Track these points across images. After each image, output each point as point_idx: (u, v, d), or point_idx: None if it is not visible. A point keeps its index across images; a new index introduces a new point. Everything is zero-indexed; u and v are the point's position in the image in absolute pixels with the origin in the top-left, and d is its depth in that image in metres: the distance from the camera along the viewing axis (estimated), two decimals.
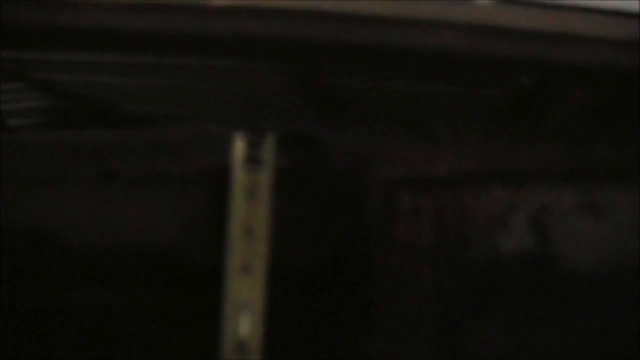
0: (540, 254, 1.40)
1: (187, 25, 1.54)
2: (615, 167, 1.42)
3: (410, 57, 1.56)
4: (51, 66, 1.84)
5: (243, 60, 1.68)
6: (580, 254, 1.40)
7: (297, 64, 1.66)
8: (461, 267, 1.40)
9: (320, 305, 1.38)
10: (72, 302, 1.52)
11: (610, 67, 1.49)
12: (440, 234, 1.41)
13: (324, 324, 1.39)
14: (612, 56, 1.46)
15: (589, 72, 1.51)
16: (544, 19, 1.40)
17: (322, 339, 1.40)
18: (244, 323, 1.24)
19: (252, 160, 1.27)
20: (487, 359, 1.37)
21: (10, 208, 1.48)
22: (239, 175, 1.27)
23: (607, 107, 1.53)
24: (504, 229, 1.41)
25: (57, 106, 2.00)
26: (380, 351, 1.39)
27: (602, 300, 1.39)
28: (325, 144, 1.42)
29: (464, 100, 1.81)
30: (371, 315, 1.40)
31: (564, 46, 1.44)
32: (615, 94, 1.54)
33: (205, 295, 1.45)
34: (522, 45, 1.46)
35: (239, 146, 1.28)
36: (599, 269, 1.40)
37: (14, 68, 1.86)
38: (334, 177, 1.42)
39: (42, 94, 1.97)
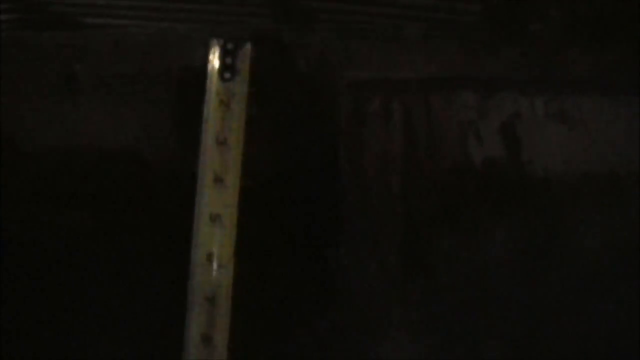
0: (510, 161, 1.38)
1: None
2: (588, 76, 1.40)
3: None
4: None
5: None
6: (551, 162, 1.38)
7: None
8: (430, 173, 1.37)
9: (287, 213, 1.35)
10: (31, 209, 1.48)
11: None
12: (409, 139, 1.38)
13: (291, 234, 1.36)
14: None
15: None
16: None
17: (290, 248, 1.38)
18: (217, 234, 1.21)
19: (227, 69, 1.23)
20: (453, 268, 1.35)
21: None
22: (213, 84, 1.24)
23: (582, 21, 1.50)
24: (474, 136, 1.38)
25: (17, 18, 1.93)
26: (343, 261, 1.37)
27: (571, 208, 1.37)
28: (292, 48, 1.38)
29: (437, 12, 1.77)
30: (335, 224, 1.37)
31: None
32: (588, 10, 1.51)
33: (169, 200, 1.42)
34: None
35: (214, 55, 1.24)
36: (568, 177, 1.38)
37: None
38: (301, 81, 1.38)
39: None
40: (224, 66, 1.23)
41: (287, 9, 1.71)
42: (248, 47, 1.24)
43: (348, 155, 1.37)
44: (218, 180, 1.20)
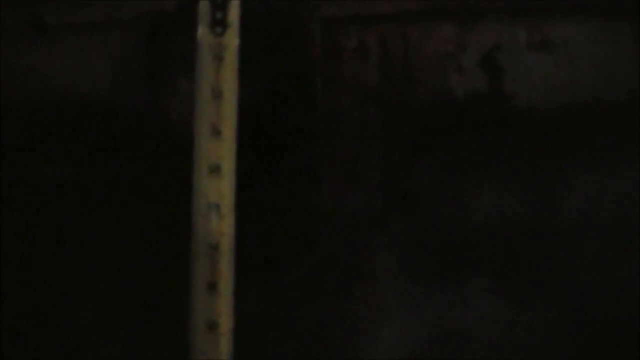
0: (492, 92, 1.35)
1: None
2: (568, 2, 1.36)
3: None
4: None
5: None
6: (533, 91, 1.35)
7: None
8: (409, 107, 1.34)
9: (266, 150, 1.34)
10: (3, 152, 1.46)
11: None
12: (387, 72, 1.35)
13: (271, 170, 1.34)
14: None
15: None
16: None
17: (271, 185, 1.36)
18: (216, 185, 1.21)
19: (218, 23, 1.22)
20: (433, 203, 1.34)
21: None
22: (205, 38, 1.22)
23: None
24: (453, 68, 1.35)
25: None
26: (325, 198, 1.35)
27: (553, 136, 1.35)
28: None
29: None
30: (315, 161, 1.35)
31: None
32: None
33: (142, 149, 1.40)
34: None
35: (204, 9, 1.23)
36: (551, 105, 1.35)
37: None
38: (276, 16, 1.35)
39: None
40: (214, 21, 1.22)
41: None
42: (237, 0, 1.23)
43: (325, 90, 1.35)
44: (215, 132, 1.20)
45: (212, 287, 1.26)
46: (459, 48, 1.37)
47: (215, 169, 1.26)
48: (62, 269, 1.44)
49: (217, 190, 1.26)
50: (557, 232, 1.37)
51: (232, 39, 1.27)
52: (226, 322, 1.26)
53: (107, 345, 1.44)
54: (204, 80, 1.27)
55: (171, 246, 1.37)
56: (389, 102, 1.36)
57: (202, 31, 1.28)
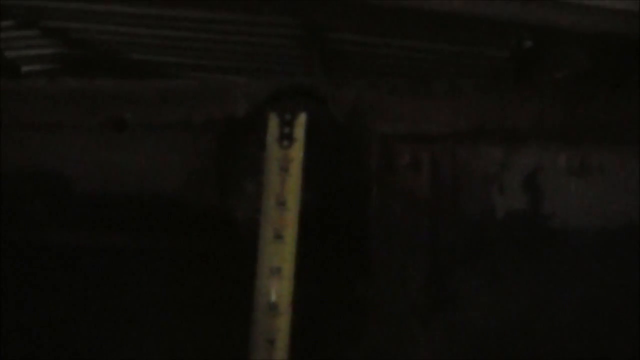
0: (532, 212, 1.46)
1: None
2: (607, 129, 1.47)
3: (414, 16, 1.61)
4: (64, 14, 1.89)
5: (249, 14, 1.73)
6: (571, 213, 1.46)
7: (301, 17, 1.71)
8: (455, 220, 1.46)
9: (325, 253, 1.45)
10: (81, 245, 1.59)
11: (609, 33, 1.54)
12: (436, 188, 1.47)
13: (327, 271, 1.46)
14: (611, 24, 1.51)
15: (589, 37, 1.57)
16: None
17: (325, 284, 1.48)
18: (277, 286, 1.34)
19: (285, 137, 1.36)
20: (474, 309, 1.44)
21: (23, 153, 1.54)
22: (273, 151, 1.36)
23: (604, 70, 1.58)
24: (497, 186, 1.47)
25: (68, 53, 2.05)
26: (375, 296, 1.46)
27: (591, 259, 1.45)
28: (328, 99, 1.47)
29: (465, 59, 1.86)
30: (367, 262, 1.47)
31: (565, 11, 1.50)
32: (612, 59, 1.59)
33: (209, 239, 1.53)
34: (524, 9, 1.51)
35: (273, 124, 1.37)
36: (588, 228, 1.46)
37: (28, 16, 1.91)
38: (336, 131, 1.47)
39: (54, 41, 2.02)
40: (282, 135, 1.36)
41: (322, 59, 1.80)
42: (304, 117, 1.36)
43: (380, 202, 1.47)
44: (278, 236, 1.33)
45: None
46: (502, 167, 1.49)
47: (276, 271, 1.38)
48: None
49: (277, 290, 1.38)
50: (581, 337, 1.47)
51: (298, 153, 1.40)
52: None
53: None
54: (270, 189, 1.40)
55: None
56: (437, 214, 1.48)
57: (270, 144, 1.41)
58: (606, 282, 1.44)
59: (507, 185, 1.46)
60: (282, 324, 1.35)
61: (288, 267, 1.35)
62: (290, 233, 1.35)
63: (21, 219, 1.58)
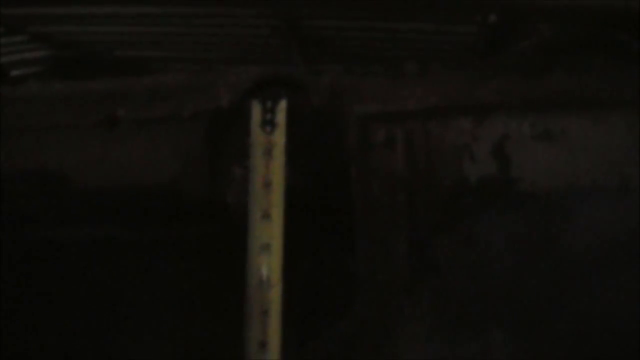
0: (502, 177, 1.57)
1: None
2: (567, 96, 1.58)
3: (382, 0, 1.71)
4: (49, 19, 1.98)
5: (229, 8, 1.83)
6: (538, 176, 1.56)
7: (277, 7, 1.80)
8: (431, 191, 1.57)
9: (311, 229, 1.56)
10: (80, 238, 1.69)
11: (570, 5, 1.64)
12: (411, 162, 1.57)
13: (313, 247, 1.57)
14: None
15: (551, 10, 1.67)
16: None
17: (313, 260, 1.58)
18: (266, 261, 1.45)
19: (268, 123, 1.46)
20: (454, 273, 1.55)
21: (23, 153, 1.64)
22: (257, 136, 1.46)
23: (566, 40, 1.69)
24: (468, 156, 1.57)
25: (55, 55, 2.13)
26: (360, 268, 1.57)
27: (560, 217, 1.56)
28: (307, 85, 1.57)
29: (434, 36, 1.95)
30: (351, 237, 1.57)
31: None
32: (574, 29, 1.69)
33: (202, 225, 1.63)
34: None
35: (256, 111, 1.47)
36: (555, 189, 1.57)
37: (15, 23, 1.99)
38: (315, 115, 1.58)
39: (41, 45, 2.11)
40: (264, 121, 1.46)
41: (299, 46, 1.90)
42: (284, 103, 1.46)
43: (358, 178, 1.58)
44: (266, 215, 1.44)
45: (263, 345, 1.48)
46: (472, 139, 1.60)
47: (266, 247, 1.49)
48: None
49: (267, 265, 1.49)
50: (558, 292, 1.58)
51: (280, 137, 1.51)
52: None
53: None
54: (256, 172, 1.50)
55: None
56: (413, 187, 1.58)
57: (254, 130, 1.52)
58: (575, 236, 1.55)
59: (477, 154, 1.57)
60: (274, 296, 1.46)
61: (277, 243, 1.46)
62: (277, 212, 1.46)
63: (23, 216, 1.68)
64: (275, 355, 1.44)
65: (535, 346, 1.53)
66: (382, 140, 1.57)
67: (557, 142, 1.57)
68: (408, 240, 1.56)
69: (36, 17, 1.96)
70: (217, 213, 1.58)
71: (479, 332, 1.56)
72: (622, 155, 1.55)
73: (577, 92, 1.59)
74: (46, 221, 1.69)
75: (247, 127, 1.53)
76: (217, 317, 1.59)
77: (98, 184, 1.61)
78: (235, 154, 1.59)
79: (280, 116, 1.48)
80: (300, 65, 1.77)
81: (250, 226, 1.45)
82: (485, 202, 1.56)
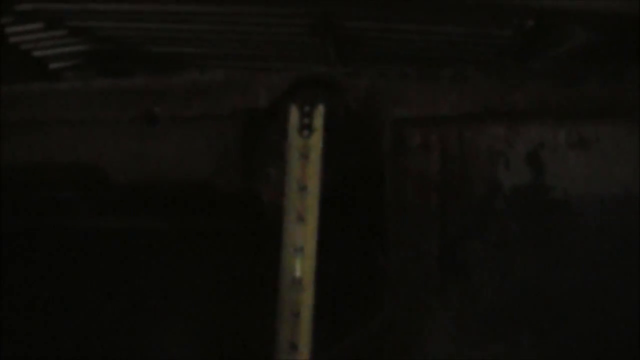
0: (535, 184, 1.58)
1: None
2: (603, 104, 1.59)
3: (423, 1, 1.72)
4: (88, 14, 2.00)
5: (266, 7, 1.84)
6: (572, 184, 1.57)
7: (314, 7, 1.82)
8: (464, 196, 1.58)
9: (344, 231, 1.58)
10: (115, 228, 1.72)
11: (607, 11, 1.64)
12: (445, 166, 1.59)
13: (345, 249, 1.58)
14: (611, 2, 1.61)
15: (587, 16, 1.67)
16: None
17: (344, 261, 1.60)
18: (300, 263, 1.47)
19: (305, 127, 1.48)
20: (483, 276, 1.57)
21: (62, 148, 1.67)
22: (294, 140, 1.48)
23: (601, 47, 1.69)
24: (502, 162, 1.59)
25: (94, 50, 2.16)
26: (392, 270, 1.59)
27: (592, 225, 1.57)
28: (343, 88, 1.59)
29: (470, 38, 1.96)
30: (383, 239, 1.59)
31: None
32: (610, 35, 1.70)
33: (236, 222, 1.66)
34: None
35: (293, 115, 1.49)
36: (588, 197, 1.58)
37: (55, 17, 2.02)
38: (351, 118, 1.59)
39: (80, 39, 2.14)
40: (302, 125, 1.48)
41: (336, 48, 1.92)
42: (322, 108, 1.48)
43: (392, 181, 1.59)
44: (300, 218, 1.46)
45: (293, 347, 1.51)
46: (506, 145, 1.61)
47: (300, 250, 1.51)
48: None
49: (300, 267, 1.51)
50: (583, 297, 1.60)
51: (317, 141, 1.53)
52: None
53: None
54: (292, 176, 1.52)
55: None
56: (446, 191, 1.60)
57: (291, 133, 1.54)
58: (606, 245, 1.56)
59: (511, 161, 1.58)
60: (307, 299, 1.48)
61: (310, 246, 1.48)
62: (312, 215, 1.48)
63: (60, 207, 1.71)
64: (306, 356, 1.46)
65: (562, 349, 1.54)
66: (417, 144, 1.58)
67: (591, 150, 1.57)
68: (439, 243, 1.58)
69: (75, 12, 1.98)
70: (250, 211, 1.61)
71: (507, 334, 1.58)
72: None
73: (612, 99, 1.59)
74: (82, 212, 1.72)
75: (283, 128, 1.55)
76: (247, 314, 1.62)
77: (134, 178, 1.63)
78: (271, 154, 1.61)
79: (318, 121, 1.49)
80: (336, 65, 1.79)
81: (285, 228, 1.47)
82: (517, 209, 1.57)
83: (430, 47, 1.96)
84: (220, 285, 1.65)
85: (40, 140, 1.64)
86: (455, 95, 1.59)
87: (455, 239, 1.59)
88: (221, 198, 1.61)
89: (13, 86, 1.68)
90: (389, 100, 1.58)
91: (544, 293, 1.58)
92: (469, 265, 1.59)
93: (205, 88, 1.62)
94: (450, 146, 1.59)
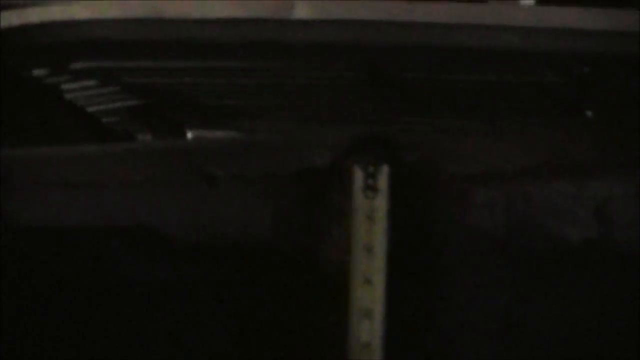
0: (604, 239, 1.55)
1: (270, 35, 1.69)
2: None
3: (479, 54, 1.71)
4: (142, 71, 2.01)
5: (320, 64, 1.84)
6: (635, 236, 1.55)
7: (371, 62, 1.81)
8: (531, 253, 1.56)
9: (408, 291, 1.57)
10: (177, 289, 1.72)
11: None
12: (510, 224, 1.57)
13: (412, 307, 1.57)
14: None
15: None
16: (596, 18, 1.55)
17: (411, 320, 1.59)
18: (367, 326, 1.46)
19: (370, 188, 1.47)
20: (549, 333, 1.55)
21: (122, 209, 1.67)
22: (358, 201, 1.47)
23: None
24: (569, 218, 1.57)
25: (146, 104, 2.17)
26: (457, 326, 1.57)
27: None
28: (402, 144, 1.58)
29: (525, 87, 1.94)
30: (452, 298, 1.58)
31: (619, 41, 1.59)
32: None
33: (298, 282, 1.65)
34: (579, 42, 1.61)
35: (357, 176, 1.48)
36: None
37: (110, 74, 2.03)
38: (412, 176, 1.58)
39: (133, 95, 2.14)
40: (366, 186, 1.47)
41: (392, 103, 1.91)
42: (386, 168, 1.47)
43: (456, 239, 1.58)
44: (367, 281, 1.45)
45: None
46: (572, 199, 1.59)
47: (367, 313, 1.50)
48: None
49: (368, 331, 1.50)
50: None
51: (382, 202, 1.52)
52: None
53: None
54: (357, 237, 1.51)
55: None
56: (512, 248, 1.58)
57: (356, 195, 1.53)
58: None
59: (578, 215, 1.56)
60: None
61: (378, 309, 1.46)
62: (379, 277, 1.47)
63: (123, 267, 1.70)
64: None
65: None
66: (481, 201, 1.57)
67: None
68: (505, 299, 1.56)
69: (129, 69, 1.99)
70: (312, 271, 1.60)
71: None
72: None
73: None
74: (137, 266, 1.72)
75: (345, 187, 1.54)
76: None
77: (193, 239, 1.63)
78: (333, 215, 1.60)
79: (383, 181, 1.48)
80: (393, 119, 1.78)
81: (352, 291, 1.46)
82: (586, 265, 1.55)
83: (484, 97, 1.94)
84: (279, 347, 1.64)
85: (98, 200, 1.64)
86: (517, 149, 1.57)
87: (522, 296, 1.57)
88: (282, 258, 1.60)
89: (70, 147, 1.69)
90: (450, 157, 1.57)
91: (610, 344, 1.56)
92: (534, 320, 1.57)
93: (266, 148, 1.62)
94: (514, 202, 1.57)
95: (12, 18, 1.80)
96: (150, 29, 1.72)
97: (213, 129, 2.06)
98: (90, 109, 2.19)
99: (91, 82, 2.08)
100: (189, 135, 2.08)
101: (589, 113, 1.78)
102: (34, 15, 1.79)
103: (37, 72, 1.95)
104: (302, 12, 1.65)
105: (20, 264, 1.79)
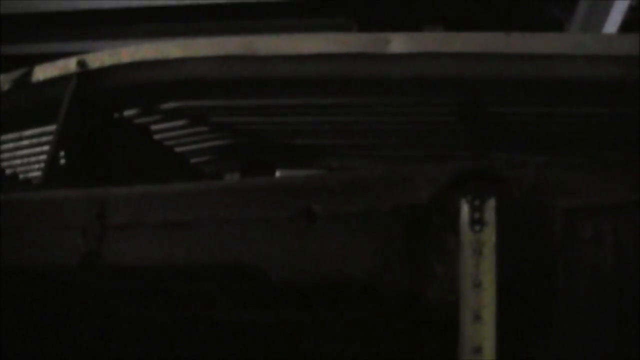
0: None
1: (365, 71, 1.68)
2: None
3: (576, 86, 1.68)
4: (232, 110, 2.01)
5: (417, 98, 1.82)
6: None
7: (464, 96, 1.79)
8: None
9: (516, 327, 1.52)
10: (275, 327, 1.68)
11: None
12: (621, 257, 1.52)
13: (519, 344, 1.52)
14: None
15: None
16: None
17: (517, 347, 1.54)
18: None
19: (476, 222, 1.44)
20: None
21: (220, 248, 1.65)
22: (465, 236, 1.43)
23: None
24: None
25: (234, 144, 2.17)
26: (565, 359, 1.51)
27: None
28: (507, 178, 1.54)
29: (614, 119, 1.90)
30: (558, 335, 1.52)
31: None
32: None
33: (402, 319, 1.61)
34: None
35: (464, 210, 1.44)
36: None
37: (199, 114, 2.04)
38: (519, 210, 1.54)
39: (222, 134, 2.14)
40: (473, 220, 1.43)
41: (486, 140, 1.88)
42: (493, 201, 1.43)
43: (565, 274, 1.53)
44: (477, 317, 1.40)
45: None
46: None
47: (477, 351, 1.45)
48: None
49: None
50: None
51: (490, 236, 1.47)
52: None
53: None
54: (465, 273, 1.47)
55: None
56: (623, 282, 1.52)
57: (463, 229, 1.49)
58: None
59: None
60: None
61: (489, 345, 1.41)
62: (489, 313, 1.42)
63: (221, 305, 1.68)
64: None
65: None
66: (590, 235, 1.52)
67: None
68: (616, 336, 1.50)
69: (218, 108, 1.99)
70: (417, 309, 1.56)
71: None
72: None
73: None
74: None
75: (448, 222, 1.51)
76: None
77: (293, 277, 1.60)
78: (436, 250, 1.56)
79: (490, 215, 1.44)
80: (491, 154, 1.74)
81: (461, 329, 1.42)
82: None
83: (576, 129, 1.90)
84: None
85: (198, 238, 1.63)
86: (625, 181, 1.52)
87: (634, 335, 1.51)
88: (385, 296, 1.57)
89: (169, 185, 1.68)
90: (556, 190, 1.52)
91: None
92: None
93: (364, 183, 1.59)
94: (624, 236, 1.52)
95: (105, 58, 1.81)
96: (243, 66, 1.71)
97: (302, 168, 2.04)
98: (178, 149, 2.18)
99: (180, 122, 2.09)
100: (278, 175, 2.07)
101: None
102: (126, 54, 1.80)
103: (128, 112, 1.95)
104: (397, 46, 1.63)
105: (112, 304, 1.77)
